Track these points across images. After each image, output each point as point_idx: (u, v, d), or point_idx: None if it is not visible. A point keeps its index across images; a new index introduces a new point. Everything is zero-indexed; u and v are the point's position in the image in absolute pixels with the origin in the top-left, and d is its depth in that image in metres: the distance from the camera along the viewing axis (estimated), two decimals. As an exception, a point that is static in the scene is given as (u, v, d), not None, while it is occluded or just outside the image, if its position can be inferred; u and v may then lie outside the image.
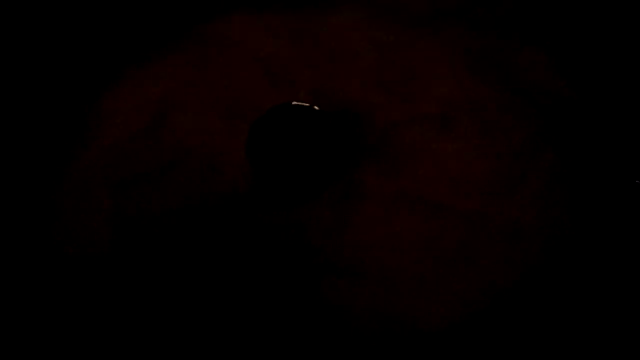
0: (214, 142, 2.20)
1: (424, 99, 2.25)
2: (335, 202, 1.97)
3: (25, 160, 2.21)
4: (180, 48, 2.53)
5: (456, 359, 1.62)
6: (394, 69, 2.37)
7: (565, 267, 1.74)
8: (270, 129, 1.94)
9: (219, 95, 2.34)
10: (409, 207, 1.93)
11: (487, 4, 2.52)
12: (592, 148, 2.02)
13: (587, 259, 1.75)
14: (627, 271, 1.72)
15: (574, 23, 2.44)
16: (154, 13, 2.69)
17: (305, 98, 2.16)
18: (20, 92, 2.43)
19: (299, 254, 1.86)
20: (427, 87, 2.30)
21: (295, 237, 1.90)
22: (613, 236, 1.79)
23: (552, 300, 1.70)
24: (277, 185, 1.98)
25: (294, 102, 1.98)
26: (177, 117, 2.29)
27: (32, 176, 2.15)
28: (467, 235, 1.83)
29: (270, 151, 1.93)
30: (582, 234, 1.81)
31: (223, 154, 2.16)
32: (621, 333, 1.62)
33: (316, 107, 2.03)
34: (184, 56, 2.50)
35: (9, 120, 2.32)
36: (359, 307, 1.71)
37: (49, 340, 1.73)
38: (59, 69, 2.49)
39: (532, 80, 2.28)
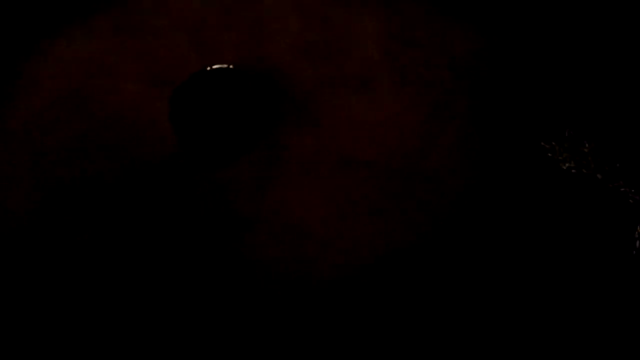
0: (139, 107, 2.21)
1: (346, 62, 2.30)
2: (256, 162, 2.03)
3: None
4: (106, 13, 2.51)
5: (355, 301, 1.73)
6: (320, 34, 2.41)
7: (476, 215, 1.85)
8: (192, 93, 1.97)
9: (145, 62, 2.34)
10: (328, 164, 2.00)
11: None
12: (503, 100, 2.12)
13: (497, 207, 1.86)
14: (529, 216, 1.84)
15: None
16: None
17: (231, 63, 2.18)
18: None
19: (220, 213, 1.92)
20: (350, 51, 2.35)
21: (217, 197, 1.96)
22: (518, 188, 1.90)
23: (460, 250, 1.81)
24: (199, 148, 2.02)
25: (215, 66, 2.01)
26: (102, 83, 2.29)
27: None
28: (383, 188, 1.92)
29: (192, 115, 1.96)
30: (493, 183, 1.92)
31: (148, 118, 2.17)
32: (520, 277, 1.74)
33: (236, 69, 2.06)
34: (109, 22, 2.48)
35: None
36: (272, 259, 1.79)
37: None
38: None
39: (449, 45, 2.34)
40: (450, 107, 2.12)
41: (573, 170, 1.89)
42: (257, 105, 2.04)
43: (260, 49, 2.36)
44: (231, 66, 2.01)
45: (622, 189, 1.81)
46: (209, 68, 1.98)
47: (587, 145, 1.92)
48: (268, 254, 1.80)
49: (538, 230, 1.81)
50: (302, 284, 1.74)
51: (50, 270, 1.86)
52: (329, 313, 1.71)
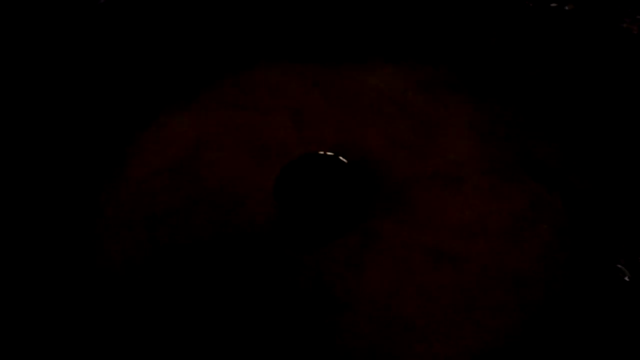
0: (242, 181, 2.38)
1: (437, 157, 2.43)
2: (350, 247, 2.13)
3: (66, 194, 2.39)
4: (217, 92, 2.74)
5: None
6: (412, 128, 2.56)
7: (562, 318, 1.88)
8: (297, 174, 2.12)
9: (250, 139, 2.54)
10: (418, 255, 2.08)
11: (512, 84, 2.73)
12: (593, 215, 2.18)
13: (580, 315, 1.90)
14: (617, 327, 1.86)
15: (583, 106, 2.63)
16: (193, 59, 2.92)
17: (328, 149, 2.34)
18: (65, 130, 2.63)
19: (315, 291, 2.01)
20: (441, 147, 2.48)
21: (311, 274, 2.06)
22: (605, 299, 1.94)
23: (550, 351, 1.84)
24: (299, 225, 2.15)
25: (321, 152, 2.17)
26: (208, 155, 2.49)
27: (72, 207, 2.34)
28: (473, 284, 1.98)
29: (296, 194, 2.10)
30: (579, 290, 1.96)
31: (250, 192, 2.33)
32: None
33: (341, 158, 2.21)
34: (219, 100, 2.71)
35: (51, 154, 2.53)
36: (363, 349, 1.85)
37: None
38: (103, 107, 2.71)
39: (534, 154, 2.45)
40: (538, 213, 2.20)
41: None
42: (354, 193, 2.17)
43: (356, 137, 2.52)
44: (335, 153, 2.16)
45: None
46: (315, 152, 2.14)
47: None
48: (363, 339, 1.86)
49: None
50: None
51: (143, 319, 1.97)
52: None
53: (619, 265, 2.01)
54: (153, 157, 2.50)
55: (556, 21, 2.89)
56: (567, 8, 2.78)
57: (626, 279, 1.97)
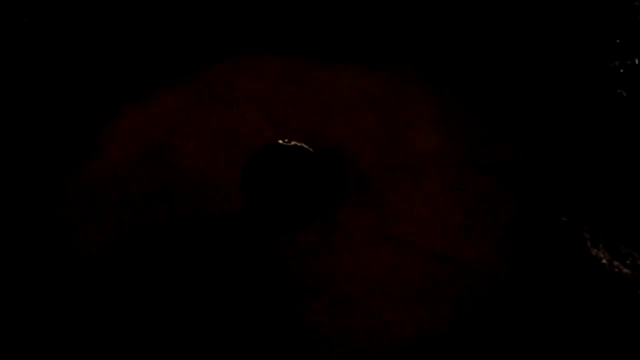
0: (212, 168, 2.45)
1: (402, 151, 2.54)
2: (315, 234, 2.23)
3: (35, 173, 2.44)
4: (185, 84, 2.81)
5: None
6: (380, 123, 2.66)
7: (510, 304, 2.01)
8: (263, 164, 2.20)
9: (220, 129, 2.61)
10: (379, 242, 2.19)
11: (477, 84, 2.85)
12: (549, 200, 2.31)
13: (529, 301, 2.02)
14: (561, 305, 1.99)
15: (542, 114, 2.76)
16: (164, 50, 2.98)
17: (297, 139, 2.43)
18: (37, 109, 2.68)
19: (279, 273, 2.11)
20: (406, 142, 2.58)
21: (276, 260, 2.15)
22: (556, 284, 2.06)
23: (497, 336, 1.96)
24: (265, 213, 2.23)
25: (286, 141, 2.26)
26: (179, 143, 2.56)
27: (41, 185, 2.39)
28: (427, 271, 2.09)
29: (262, 184, 2.19)
30: (528, 276, 2.08)
31: (220, 180, 2.41)
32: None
33: (306, 147, 2.30)
34: (188, 91, 2.78)
35: (22, 133, 2.57)
36: (324, 324, 1.96)
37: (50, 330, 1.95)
38: (75, 92, 2.76)
39: (491, 150, 2.57)
40: (494, 209, 2.32)
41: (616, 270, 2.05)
42: (321, 182, 2.26)
43: (325, 129, 2.61)
44: (301, 143, 2.25)
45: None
46: (280, 142, 2.22)
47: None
48: (324, 320, 1.96)
49: (571, 329, 1.95)
50: (350, 351, 1.90)
51: (111, 299, 2.05)
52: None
53: (569, 255, 2.14)
54: (124, 144, 2.56)
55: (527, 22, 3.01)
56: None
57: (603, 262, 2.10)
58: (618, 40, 2.84)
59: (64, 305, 2.05)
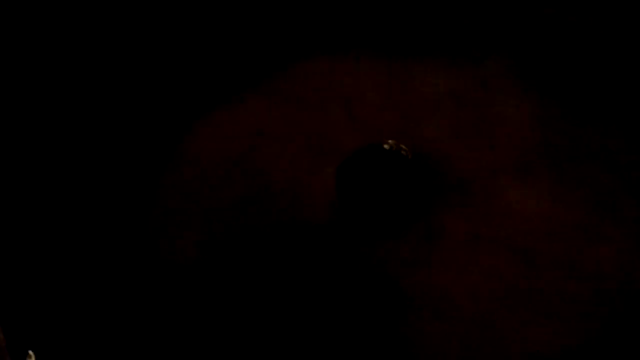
0: (299, 175, 2.35)
1: (499, 150, 2.35)
2: (414, 240, 2.07)
3: (123, 186, 2.41)
4: (273, 86, 2.73)
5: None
6: (472, 122, 2.49)
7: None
8: (357, 167, 2.07)
9: (306, 132, 2.51)
10: (485, 250, 2.01)
11: (581, 85, 2.63)
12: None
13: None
14: None
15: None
16: (251, 51, 2.92)
17: (390, 142, 2.29)
18: (128, 122, 2.67)
19: (378, 286, 1.96)
20: (502, 140, 2.40)
21: (376, 269, 2.00)
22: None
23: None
24: (361, 220, 2.10)
25: (381, 145, 2.12)
26: (265, 149, 2.47)
27: (128, 194, 2.36)
28: (546, 280, 1.89)
29: (358, 188, 2.05)
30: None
31: (307, 186, 2.30)
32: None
33: (402, 151, 2.16)
34: (275, 93, 2.70)
35: (117, 142, 2.56)
36: (431, 344, 1.78)
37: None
38: (161, 99, 2.73)
39: (603, 146, 2.34)
40: (612, 207, 2.09)
41: None
42: (416, 186, 2.11)
43: (416, 130, 2.46)
44: (398, 145, 2.11)
45: None
46: (376, 144, 2.09)
47: None
48: (433, 336, 1.80)
49: None
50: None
51: (203, 303, 1.96)
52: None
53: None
54: (214, 148, 2.49)
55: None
56: None
57: None
58: None
59: (158, 304, 1.98)
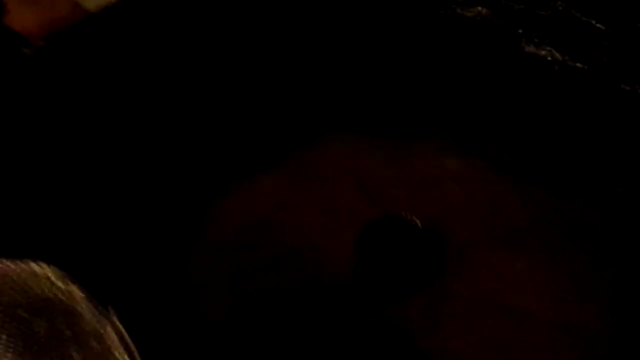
0: (316, 243, 2.60)
1: (497, 226, 2.65)
2: (423, 305, 2.32)
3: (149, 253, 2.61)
4: (282, 166, 3.01)
5: None
6: (468, 198, 2.80)
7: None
8: (378, 234, 2.35)
9: (323, 206, 2.78)
10: (489, 312, 2.26)
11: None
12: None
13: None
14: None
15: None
16: (258, 137, 3.23)
17: (404, 213, 2.58)
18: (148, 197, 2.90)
19: (392, 345, 2.18)
20: (498, 217, 2.71)
21: (389, 329, 2.23)
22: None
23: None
24: (378, 281, 2.34)
25: (398, 215, 2.41)
26: (281, 221, 2.72)
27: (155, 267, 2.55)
28: (544, 340, 2.14)
29: (376, 252, 2.32)
30: None
31: (325, 253, 2.54)
32: None
33: (410, 221, 2.45)
34: (286, 173, 2.98)
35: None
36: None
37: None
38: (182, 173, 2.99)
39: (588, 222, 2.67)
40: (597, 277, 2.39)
41: None
42: (425, 255, 2.38)
43: (418, 206, 2.75)
44: (411, 217, 2.40)
45: None
46: (394, 215, 2.37)
47: None
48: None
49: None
50: None
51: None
52: None
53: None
54: (230, 221, 2.73)
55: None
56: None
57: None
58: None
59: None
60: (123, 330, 1.34)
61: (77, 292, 1.32)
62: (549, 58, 3.12)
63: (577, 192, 2.77)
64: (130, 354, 1.26)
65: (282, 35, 3.20)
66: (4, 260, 1.29)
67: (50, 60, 2.75)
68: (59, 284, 1.30)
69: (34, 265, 1.31)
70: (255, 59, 3.22)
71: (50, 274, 1.31)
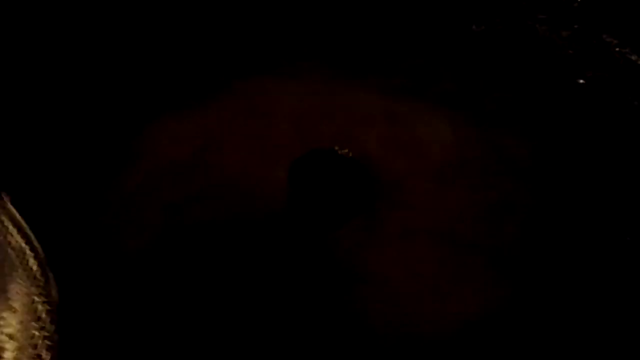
0: (251, 174, 2.59)
1: (425, 158, 2.73)
2: (356, 231, 2.38)
3: (77, 180, 2.53)
4: (219, 99, 2.97)
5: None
6: (401, 135, 2.86)
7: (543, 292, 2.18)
8: (309, 166, 2.37)
9: (253, 141, 2.76)
10: (416, 236, 2.36)
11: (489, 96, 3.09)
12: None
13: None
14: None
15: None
16: (199, 66, 3.15)
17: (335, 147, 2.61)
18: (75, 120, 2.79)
19: (327, 266, 2.24)
20: (426, 149, 2.78)
21: (324, 252, 2.29)
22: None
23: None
24: (311, 212, 2.38)
25: (329, 149, 2.43)
26: (217, 152, 2.69)
27: (83, 192, 2.48)
28: (462, 260, 2.27)
29: (307, 185, 2.35)
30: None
31: (260, 184, 2.55)
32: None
33: (342, 154, 2.48)
34: (222, 105, 2.94)
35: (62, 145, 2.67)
36: (377, 311, 2.10)
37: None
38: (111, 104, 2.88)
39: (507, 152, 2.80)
40: (512, 203, 2.53)
41: None
42: (357, 186, 2.43)
43: (352, 142, 2.79)
44: (345, 150, 2.42)
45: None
46: (325, 148, 2.39)
47: None
48: (374, 306, 2.10)
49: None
50: (402, 337, 2.03)
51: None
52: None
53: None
54: (164, 152, 2.68)
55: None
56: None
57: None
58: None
59: (107, 297, 2.11)
60: (14, 212, 1.41)
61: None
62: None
63: (509, 129, 2.89)
64: (20, 230, 1.34)
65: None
66: None
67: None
68: None
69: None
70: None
71: None
